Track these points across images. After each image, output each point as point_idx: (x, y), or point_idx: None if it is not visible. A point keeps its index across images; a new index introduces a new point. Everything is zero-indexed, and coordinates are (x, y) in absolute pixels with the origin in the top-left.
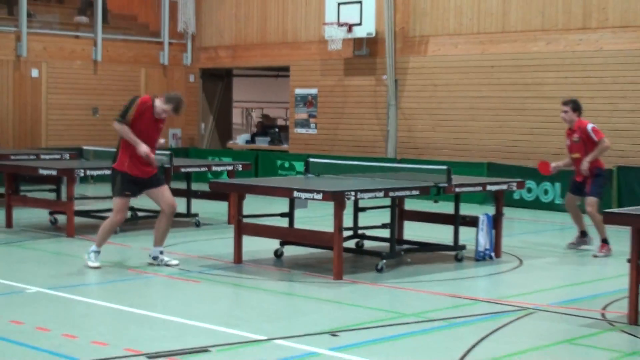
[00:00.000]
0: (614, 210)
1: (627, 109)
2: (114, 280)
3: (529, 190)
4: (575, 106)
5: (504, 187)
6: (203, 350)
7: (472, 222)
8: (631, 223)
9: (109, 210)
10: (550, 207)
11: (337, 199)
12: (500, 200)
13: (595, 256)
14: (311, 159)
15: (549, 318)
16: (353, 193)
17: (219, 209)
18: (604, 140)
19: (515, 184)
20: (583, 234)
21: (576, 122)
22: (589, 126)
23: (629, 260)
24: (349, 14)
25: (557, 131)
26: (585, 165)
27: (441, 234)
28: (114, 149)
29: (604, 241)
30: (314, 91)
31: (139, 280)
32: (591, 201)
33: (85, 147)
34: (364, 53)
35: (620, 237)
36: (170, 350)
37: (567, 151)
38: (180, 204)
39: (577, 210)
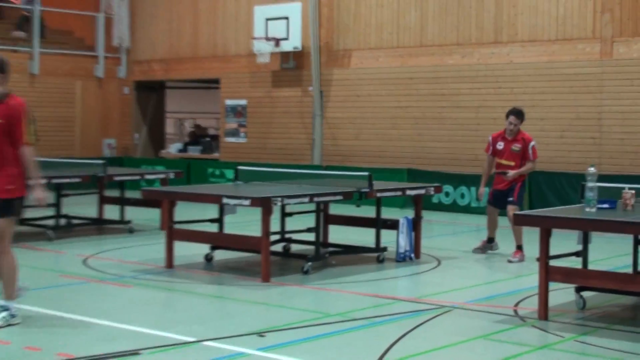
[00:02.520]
0: (524, 213)
1: (536, 117)
2: (48, 287)
3: (447, 194)
4: (523, 118)
5: (423, 191)
6: (134, 353)
7: (393, 225)
8: (539, 224)
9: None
10: (467, 209)
11: (264, 204)
12: (419, 204)
13: (510, 261)
14: (241, 167)
15: (466, 315)
16: (280, 199)
17: (151, 215)
18: (536, 161)
19: (433, 188)
20: (490, 240)
21: (519, 133)
22: (533, 143)
23: (538, 259)
24: (277, 29)
25: (472, 138)
26: (512, 174)
27: (364, 236)
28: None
29: (519, 247)
30: (243, 102)
31: (73, 286)
32: (515, 208)
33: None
34: (291, 66)
35: (531, 239)
36: (102, 354)
37: (494, 156)
38: (114, 212)
39: (496, 221)
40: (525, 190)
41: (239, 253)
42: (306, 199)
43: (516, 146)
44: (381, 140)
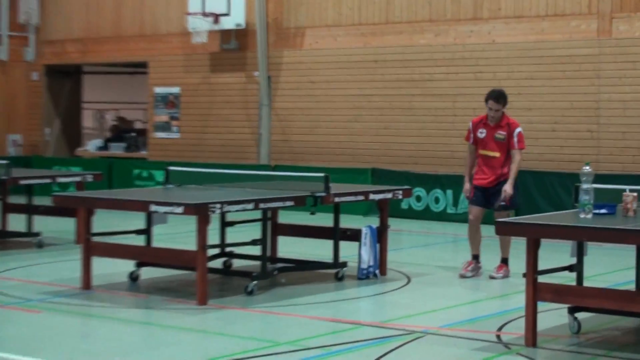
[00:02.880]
0: (507, 220)
1: (522, 107)
2: None
3: (418, 198)
4: (505, 102)
5: (389, 195)
6: None
7: (354, 235)
8: (526, 233)
9: None
10: (442, 217)
11: (200, 212)
12: (385, 210)
13: (493, 277)
14: (172, 167)
15: (440, 342)
16: (219, 205)
17: (65, 226)
18: (522, 152)
19: (401, 191)
20: (476, 258)
21: (503, 118)
22: (519, 129)
23: (524, 275)
24: (216, 3)
25: (448, 132)
26: (509, 189)
27: (319, 250)
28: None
29: (504, 261)
30: (176, 90)
31: None
32: (505, 215)
33: None
34: (233, 47)
35: (517, 251)
36: None
37: (476, 146)
38: (20, 222)
39: (480, 230)
40: (519, 190)
41: (170, 271)
42: (250, 206)
43: (500, 133)
44: (340, 135)
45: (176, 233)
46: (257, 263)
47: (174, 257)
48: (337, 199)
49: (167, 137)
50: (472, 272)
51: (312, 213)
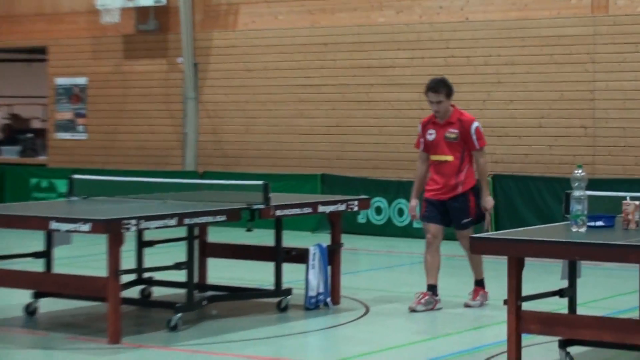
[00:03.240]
0: (483, 236)
1: (502, 98)
2: None
3: (378, 210)
4: (448, 91)
5: (343, 207)
6: None
7: (300, 256)
8: (507, 251)
9: None
10: (407, 232)
11: (111, 229)
12: (338, 225)
13: (468, 306)
14: (78, 176)
15: None
16: (134, 221)
17: None
18: (484, 150)
19: (357, 202)
20: (433, 289)
21: (454, 113)
22: (476, 124)
23: (505, 302)
24: None
25: (413, 130)
26: (490, 202)
27: (258, 274)
28: None
29: (479, 283)
30: (82, 81)
31: None
32: (470, 232)
33: None
34: (151, 28)
35: (496, 273)
36: None
37: (424, 150)
38: None
39: (439, 252)
40: (478, 197)
41: (75, 302)
42: (173, 221)
43: (451, 132)
44: (283, 134)
45: (82, 256)
46: (182, 291)
47: (80, 285)
48: (279, 212)
49: (72, 138)
50: (426, 306)
51: (249, 230)
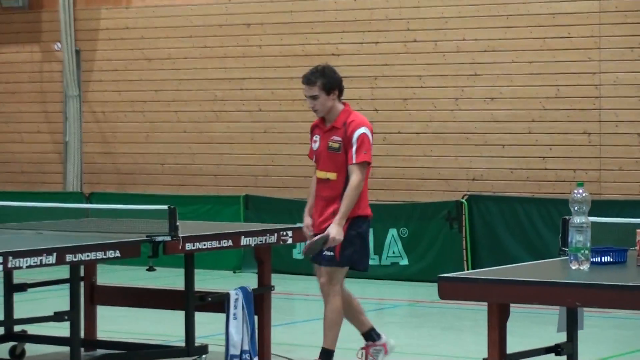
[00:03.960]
0: (454, 276)
1: (480, 95)
2: None
3: None
4: (328, 83)
5: (273, 238)
6: None
7: (219, 304)
8: (487, 296)
9: None
10: (358, 272)
11: None
12: (267, 262)
13: None
14: None
15: None
16: (0, 258)
17: None
18: (363, 169)
19: (291, 232)
20: (370, 336)
21: (341, 115)
22: (362, 130)
23: None
24: None
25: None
26: (335, 233)
27: (163, 326)
28: None
29: (326, 355)
30: None
31: None
32: (331, 272)
33: None
34: (19, 4)
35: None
36: None
37: (315, 162)
38: None
39: (349, 294)
40: (363, 238)
41: None
42: (52, 258)
43: (335, 140)
44: (194, 143)
45: None
46: (65, 349)
47: None
48: (189, 246)
49: None
50: (375, 356)
51: (151, 268)
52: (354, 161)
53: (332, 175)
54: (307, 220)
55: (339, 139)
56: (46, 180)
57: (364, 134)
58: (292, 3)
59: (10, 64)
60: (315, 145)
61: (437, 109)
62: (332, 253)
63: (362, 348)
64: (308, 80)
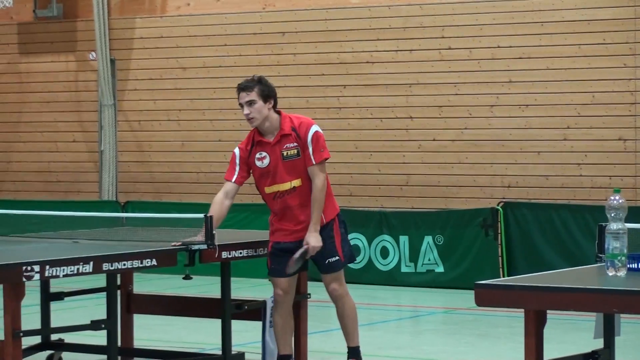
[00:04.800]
0: (492, 282)
1: (515, 102)
2: None
3: (355, 249)
4: (266, 90)
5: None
6: None
7: (255, 311)
8: (524, 302)
9: None
10: (394, 278)
11: (8, 278)
12: (303, 270)
13: None
14: None
15: None
16: (37, 267)
17: None
18: (324, 166)
19: None
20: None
21: (283, 121)
22: (315, 128)
23: None
24: None
25: (401, 144)
26: (315, 240)
27: (199, 335)
28: None
29: (355, 353)
30: None
31: None
32: (339, 275)
33: None
34: (54, 14)
35: (506, 330)
36: None
37: (240, 184)
38: None
39: (291, 313)
40: (347, 230)
41: None
42: (88, 267)
43: (290, 148)
44: (230, 151)
45: None
46: (102, 357)
47: None
48: (226, 254)
49: None
50: None
51: (187, 277)
52: (313, 162)
53: (297, 182)
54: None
55: (294, 144)
56: (82, 189)
57: (316, 132)
58: (326, 11)
59: (46, 74)
60: (265, 162)
61: (472, 116)
62: (336, 257)
63: None
64: (245, 86)
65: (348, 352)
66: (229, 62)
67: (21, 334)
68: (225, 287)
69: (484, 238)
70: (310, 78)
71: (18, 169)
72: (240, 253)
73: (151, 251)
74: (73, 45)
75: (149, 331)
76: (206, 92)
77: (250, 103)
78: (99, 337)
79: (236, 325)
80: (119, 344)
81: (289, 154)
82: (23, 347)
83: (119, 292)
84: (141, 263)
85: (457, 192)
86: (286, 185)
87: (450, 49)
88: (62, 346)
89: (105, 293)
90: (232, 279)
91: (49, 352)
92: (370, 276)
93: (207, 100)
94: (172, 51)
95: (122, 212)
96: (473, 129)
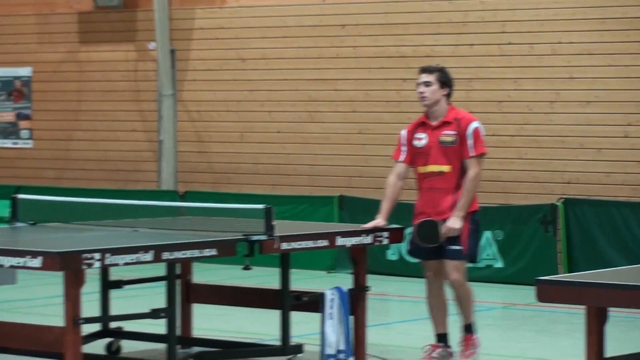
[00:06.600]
0: (554, 279)
1: (576, 98)
2: None
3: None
4: (444, 79)
5: (368, 239)
6: None
7: (314, 303)
8: (585, 299)
9: None
10: None
11: (68, 266)
12: (363, 263)
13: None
14: (23, 195)
15: None
16: (98, 255)
17: None
18: (481, 161)
19: (387, 233)
20: (443, 339)
21: (450, 111)
22: (476, 125)
23: None
24: None
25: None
26: (457, 224)
27: (259, 325)
28: None
29: (469, 329)
30: (25, 72)
31: None
32: (459, 265)
33: None
34: (115, 4)
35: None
36: None
37: (411, 164)
38: None
39: (443, 293)
40: (479, 230)
41: (22, 359)
42: (148, 256)
43: (448, 134)
44: (288, 143)
45: (30, 299)
46: (161, 346)
47: (28, 337)
48: (285, 246)
49: (13, 146)
50: None
51: (247, 267)
52: (472, 154)
53: (446, 168)
54: (379, 221)
55: (454, 132)
56: (141, 178)
57: (477, 128)
58: (386, 4)
59: (105, 63)
60: (422, 142)
61: (532, 112)
62: (460, 247)
63: (432, 346)
64: (427, 69)
65: (464, 328)
66: (288, 54)
67: (81, 321)
68: (285, 279)
69: (544, 234)
70: (370, 71)
71: (78, 157)
72: (300, 244)
73: (212, 241)
74: (133, 35)
75: (208, 321)
76: (265, 84)
77: (427, 84)
78: (158, 326)
79: (295, 316)
80: (178, 332)
81: (446, 139)
82: (83, 334)
83: (178, 281)
84: (201, 252)
85: (517, 188)
86: (436, 168)
87: (510, 44)
88: (121, 334)
89: (162, 282)
90: (291, 270)
91: (108, 339)
92: None
93: (266, 92)
94: (232, 42)
95: (181, 201)
96: (533, 124)
